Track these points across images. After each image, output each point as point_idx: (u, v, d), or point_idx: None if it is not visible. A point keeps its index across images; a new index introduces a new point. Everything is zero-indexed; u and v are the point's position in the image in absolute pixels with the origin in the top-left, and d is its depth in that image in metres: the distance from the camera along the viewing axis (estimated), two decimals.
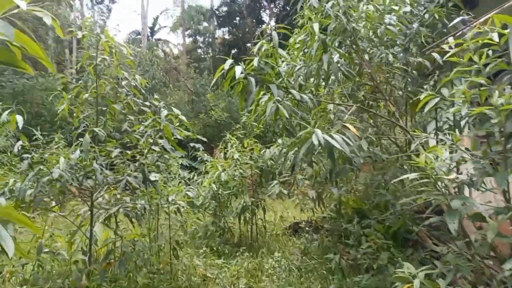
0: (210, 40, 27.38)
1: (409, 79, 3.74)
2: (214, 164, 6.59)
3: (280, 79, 2.85)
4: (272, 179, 6.34)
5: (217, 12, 24.60)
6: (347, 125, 2.49)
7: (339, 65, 2.82)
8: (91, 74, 4.24)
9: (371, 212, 5.06)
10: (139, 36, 21.45)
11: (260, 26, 26.30)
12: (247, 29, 23.52)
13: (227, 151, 6.59)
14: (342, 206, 5.27)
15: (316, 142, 2.31)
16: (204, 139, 8.10)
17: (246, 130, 6.72)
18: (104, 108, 4.22)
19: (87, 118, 3.89)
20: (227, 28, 25.02)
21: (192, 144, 7.80)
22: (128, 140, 4.33)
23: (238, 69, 2.62)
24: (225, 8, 24.51)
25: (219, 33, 25.76)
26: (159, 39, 19.95)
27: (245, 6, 22.86)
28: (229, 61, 2.69)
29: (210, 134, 16.56)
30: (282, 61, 3.44)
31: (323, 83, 3.16)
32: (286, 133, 2.92)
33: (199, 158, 7.70)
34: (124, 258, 3.62)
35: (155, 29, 22.93)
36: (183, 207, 4.13)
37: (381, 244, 3.94)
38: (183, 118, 3.51)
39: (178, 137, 3.75)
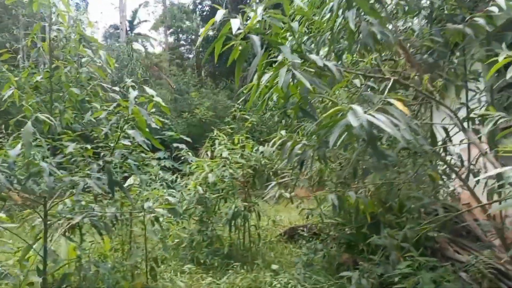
0: (193, 37, 26.46)
1: (437, 53, 3.04)
2: (200, 164, 5.77)
3: (291, 43, 2.11)
4: (267, 180, 5.57)
5: (200, 6, 23.66)
6: (392, 100, 1.74)
7: (371, 27, 2.08)
8: (45, 51, 3.38)
9: (384, 216, 4.36)
10: (118, 31, 20.33)
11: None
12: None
13: (215, 149, 5.78)
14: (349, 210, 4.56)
15: (355, 124, 1.54)
16: (188, 139, 7.28)
17: (237, 124, 5.92)
18: (61, 94, 3.37)
19: (35, 105, 3.02)
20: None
21: (175, 145, 6.98)
22: (95, 134, 3.50)
23: (235, 23, 1.84)
24: (208, 2, 23.63)
25: (202, 29, 24.83)
26: (139, 34, 18.89)
27: (229, 0, 22.08)
28: (222, 12, 1.90)
29: (195, 134, 15.65)
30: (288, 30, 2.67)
31: (345, 51, 2.43)
32: (301, 115, 2.14)
33: (182, 158, 6.86)
34: (85, 284, 2.78)
35: (135, 23, 21.83)
36: (162, 215, 3.31)
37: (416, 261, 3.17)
38: (159, 100, 2.70)
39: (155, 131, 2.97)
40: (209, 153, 5.97)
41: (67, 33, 3.27)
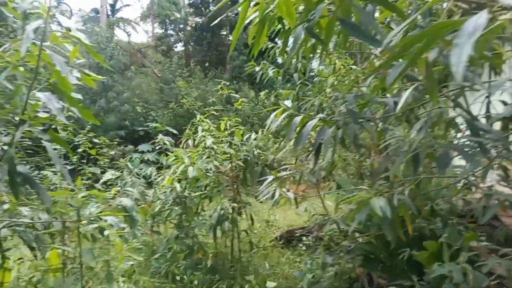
0: (182, 26, 25.18)
1: None
2: (179, 155, 4.68)
3: None
4: (261, 175, 4.52)
5: None
6: None
7: None
8: None
9: (414, 221, 3.36)
10: (98, 15, 18.91)
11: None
12: (221, 11, 21.44)
13: (197, 136, 4.70)
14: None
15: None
16: (174, 131, 6.19)
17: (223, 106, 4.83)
18: None
19: None
20: (200, 13, 22.81)
21: (159, 136, 5.87)
22: None
23: None
24: None
25: (190, 19, 23.51)
26: (121, 18, 17.56)
27: None
28: None
29: (182, 125, 14.55)
30: None
31: None
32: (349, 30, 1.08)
33: (161, 148, 5.76)
34: None
35: (117, 7, 20.45)
36: (111, 226, 2.25)
37: None
38: (82, 37, 1.60)
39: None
40: (190, 142, 4.89)
41: None
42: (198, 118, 5.03)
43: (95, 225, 2.17)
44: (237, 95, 4.70)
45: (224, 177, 4.55)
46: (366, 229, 3.80)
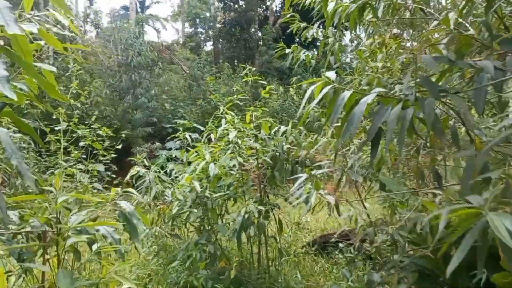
0: (211, 24, 24.97)
1: None
2: (200, 150, 4.20)
3: None
4: (292, 173, 3.95)
5: None
6: None
7: None
8: None
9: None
10: (128, 12, 18.98)
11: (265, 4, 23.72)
12: (250, 7, 20.97)
13: (220, 130, 4.18)
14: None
15: None
16: (202, 128, 5.83)
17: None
18: None
19: None
20: (229, 8, 22.43)
21: (187, 134, 5.45)
22: None
23: None
24: None
25: (220, 14, 23.20)
26: (150, 15, 17.50)
27: None
28: None
29: None
30: None
31: None
32: None
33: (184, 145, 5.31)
34: None
35: (146, 4, 20.47)
36: (104, 237, 1.76)
37: None
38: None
39: None
40: (212, 136, 4.39)
41: None
42: (221, 110, 4.53)
43: (85, 237, 1.69)
44: (264, 82, 4.13)
45: (250, 176, 4.02)
46: (421, 240, 3.13)
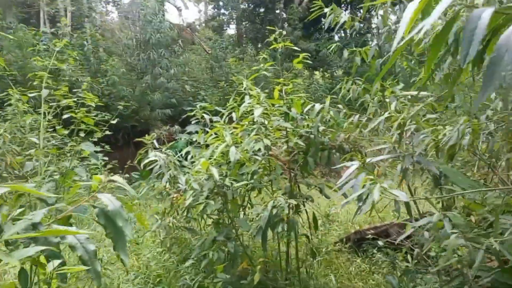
0: (235, 4, 24.14)
1: None
2: (220, 132, 3.58)
3: None
4: (328, 159, 3.27)
5: None
6: None
7: None
8: None
9: None
10: None
11: None
12: None
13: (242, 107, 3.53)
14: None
15: None
16: (223, 111, 5.29)
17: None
18: None
19: None
20: None
21: (207, 116, 4.87)
22: None
23: None
24: None
25: None
26: None
27: None
28: None
29: None
30: None
31: None
32: None
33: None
34: None
35: None
36: (73, 248, 1.19)
37: None
38: None
39: None
40: (234, 115, 3.75)
41: None
42: (244, 85, 3.87)
43: (39, 248, 1.12)
44: (296, 47, 3.42)
45: (278, 162, 3.37)
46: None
